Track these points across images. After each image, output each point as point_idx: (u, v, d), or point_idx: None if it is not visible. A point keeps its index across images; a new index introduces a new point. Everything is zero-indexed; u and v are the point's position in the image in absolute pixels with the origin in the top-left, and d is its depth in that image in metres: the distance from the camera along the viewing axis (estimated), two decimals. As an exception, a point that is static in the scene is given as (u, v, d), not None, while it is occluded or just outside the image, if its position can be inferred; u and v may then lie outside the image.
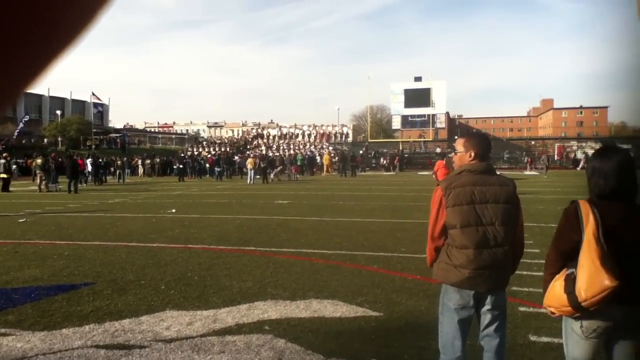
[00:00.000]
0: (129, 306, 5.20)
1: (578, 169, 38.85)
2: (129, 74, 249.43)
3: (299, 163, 37.56)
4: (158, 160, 39.98)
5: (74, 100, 67.64)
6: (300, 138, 56.33)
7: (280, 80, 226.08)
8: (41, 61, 0.32)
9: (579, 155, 45.56)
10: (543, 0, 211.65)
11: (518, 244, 3.01)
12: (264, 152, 47.84)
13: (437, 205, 2.98)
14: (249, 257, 7.59)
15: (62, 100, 65.04)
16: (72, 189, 21.25)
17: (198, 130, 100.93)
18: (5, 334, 4.42)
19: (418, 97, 57.69)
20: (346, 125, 60.25)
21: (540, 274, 3.40)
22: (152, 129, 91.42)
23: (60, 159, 29.59)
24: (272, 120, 79.22)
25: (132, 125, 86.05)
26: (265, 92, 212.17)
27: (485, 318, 2.92)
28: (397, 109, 60.27)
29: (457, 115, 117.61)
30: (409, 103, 58.58)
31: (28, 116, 49.07)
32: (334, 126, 58.03)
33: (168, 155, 46.48)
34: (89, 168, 28.94)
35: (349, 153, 42.94)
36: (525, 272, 5.83)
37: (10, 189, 22.46)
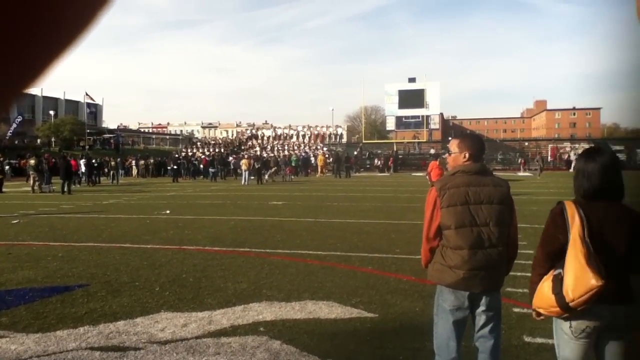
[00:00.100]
0: (124, 308, 5.19)
1: (571, 170, 39.02)
2: (122, 74, 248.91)
3: (293, 164, 37.52)
4: (152, 160, 39.81)
5: (67, 101, 67.26)
6: (294, 139, 56.28)
7: (274, 81, 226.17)
8: (42, 61, 0.32)
9: (572, 156, 45.73)
10: (536, 2, 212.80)
11: (512, 245, 3.03)
12: (258, 152, 47.77)
13: (431, 206, 2.99)
14: (244, 258, 7.59)
15: (55, 100, 64.64)
16: (65, 189, 21.16)
17: (192, 130, 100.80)
18: (-1, 336, 4.40)
19: (412, 98, 57.81)
20: (340, 126, 60.19)
21: (534, 275, 3.42)
22: (146, 130, 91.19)
23: (53, 160, 29.41)
24: (266, 121, 79.15)
25: (125, 126, 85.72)
26: (259, 93, 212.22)
27: (480, 319, 2.93)
28: (391, 110, 60.37)
29: (451, 117, 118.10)
30: (403, 104, 58.67)
31: (21, 116, 48.83)
32: (328, 127, 57.99)
33: (162, 155, 46.34)
34: (83, 169, 28.83)
35: (343, 154, 42.94)
36: (519, 273, 5.84)
37: (4, 189, 22.36)
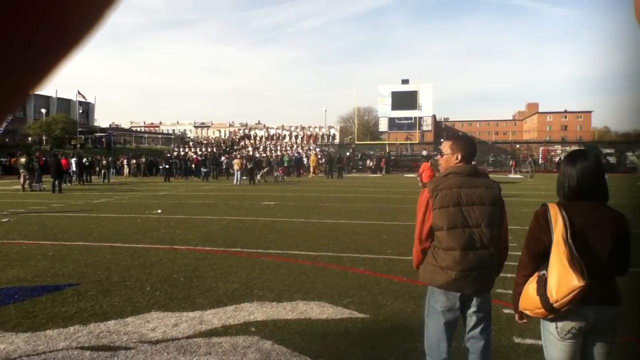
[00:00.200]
0: (114, 307, 5.16)
1: (561, 172, 39.18)
2: (115, 73, 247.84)
3: (285, 164, 37.47)
4: (144, 160, 39.63)
5: (59, 99, 66.73)
6: (287, 139, 56.25)
7: (267, 81, 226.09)
8: (47, 63, 0.32)
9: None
10: (530, 5, 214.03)
11: (502, 247, 3.05)
12: (250, 153, 47.66)
13: (424, 207, 3.00)
14: (235, 258, 7.58)
15: (47, 98, 64.17)
16: (56, 188, 21.03)
17: (185, 130, 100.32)
18: (-12, 335, 4.36)
19: (405, 99, 57.96)
20: (333, 127, 60.22)
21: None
22: (138, 129, 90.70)
23: (44, 158, 29.19)
24: (259, 121, 78.88)
25: (117, 125, 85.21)
26: (253, 93, 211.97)
27: (471, 320, 2.95)
28: (384, 111, 60.46)
29: (444, 118, 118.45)
30: (396, 105, 58.79)
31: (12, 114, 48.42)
32: (321, 128, 58.02)
33: (154, 155, 46.12)
34: (74, 167, 28.64)
35: (335, 155, 42.90)
36: (509, 275, 5.85)
37: (-7, 188, 22.19)
